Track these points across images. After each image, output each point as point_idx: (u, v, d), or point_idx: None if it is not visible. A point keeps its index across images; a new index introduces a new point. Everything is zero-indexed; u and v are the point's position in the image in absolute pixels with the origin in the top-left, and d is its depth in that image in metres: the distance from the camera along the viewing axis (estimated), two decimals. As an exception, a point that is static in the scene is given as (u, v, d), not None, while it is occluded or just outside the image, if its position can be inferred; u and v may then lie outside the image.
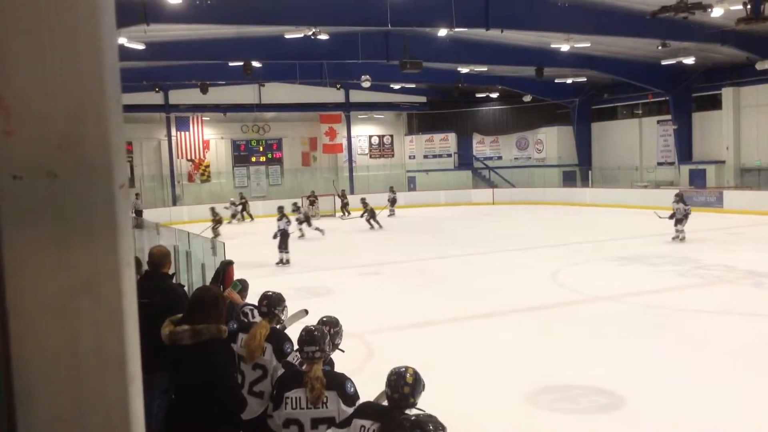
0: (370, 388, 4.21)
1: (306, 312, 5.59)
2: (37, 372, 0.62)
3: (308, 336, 3.94)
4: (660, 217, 18.28)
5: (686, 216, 17.74)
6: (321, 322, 4.46)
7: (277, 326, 4.85)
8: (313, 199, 29.92)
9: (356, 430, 3.30)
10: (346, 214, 29.48)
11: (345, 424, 3.44)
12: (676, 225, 17.84)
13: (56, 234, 0.62)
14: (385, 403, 3.40)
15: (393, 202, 29.69)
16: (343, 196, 30.50)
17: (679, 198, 18.11)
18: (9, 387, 0.60)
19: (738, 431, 6.12)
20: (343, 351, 4.57)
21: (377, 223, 24.56)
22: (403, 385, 3.29)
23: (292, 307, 5.91)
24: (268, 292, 5.01)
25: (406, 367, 3.40)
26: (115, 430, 0.63)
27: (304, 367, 3.88)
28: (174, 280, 5.98)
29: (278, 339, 4.58)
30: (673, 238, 17.64)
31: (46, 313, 0.62)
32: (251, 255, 17.23)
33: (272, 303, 4.85)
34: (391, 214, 28.97)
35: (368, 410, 3.39)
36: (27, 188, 0.61)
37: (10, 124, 0.60)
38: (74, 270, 0.63)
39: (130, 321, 0.64)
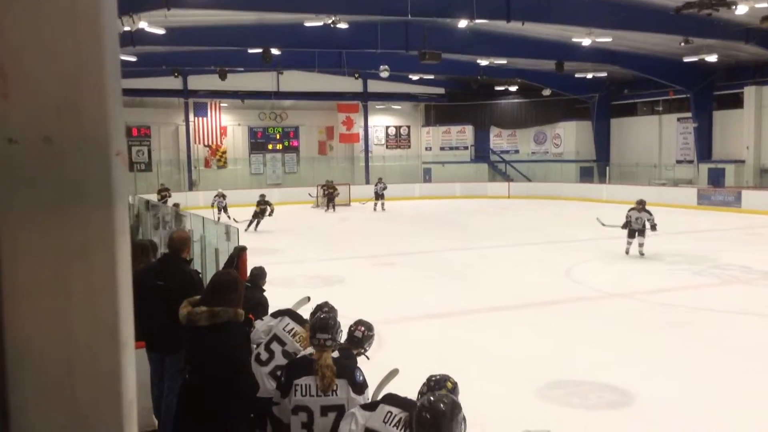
0: (379, 377, 4.23)
1: (308, 299, 5.61)
2: (29, 335, 0.62)
3: (322, 323, 3.95)
4: (603, 225, 15.81)
5: (645, 227, 14.96)
6: (358, 322, 4.45)
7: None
8: (326, 188, 29.96)
9: (382, 414, 3.33)
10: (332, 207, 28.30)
11: (371, 407, 3.46)
12: (630, 237, 15.13)
13: (51, 199, 0.62)
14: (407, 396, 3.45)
15: (379, 195, 28.14)
16: (330, 188, 28.87)
17: (641, 206, 15.09)
18: (1, 349, 0.60)
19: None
20: (368, 358, 4.57)
21: (256, 225, 21.71)
22: (443, 388, 3.33)
23: (303, 294, 5.94)
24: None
25: (449, 376, 3.48)
26: (106, 395, 0.63)
27: (313, 355, 3.89)
28: (191, 266, 6.01)
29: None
30: (626, 252, 15.20)
31: (40, 277, 0.62)
32: (265, 241, 17.31)
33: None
34: (377, 207, 27.78)
35: (397, 400, 3.42)
36: (22, 152, 0.61)
37: (6, 87, 0.60)
38: (68, 236, 0.63)
39: (123, 289, 0.64)
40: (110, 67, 0.61)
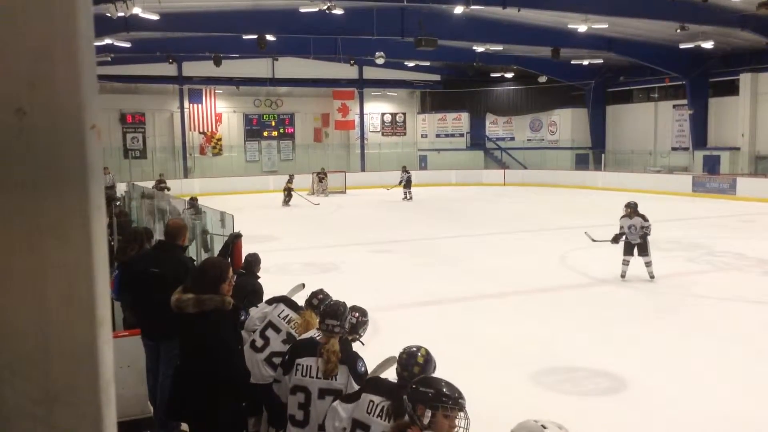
0: (374, 363, 4.24)
1: (303, 286, 5.62)
2: (3, 313, 0.61)
3: (331, 309, 3.99)
4: (594, 240, 12.13)
5: (645, 237, 11.28)
6: (353, 308, 4.48)
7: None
8: (322, 176, 29.93)
9: (365, 404, 3.33)
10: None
11: (353, 398, 3.46)
12: (627, 254, 11.48)
13: (23, 172, 0.61)
14: (393, 378, 3.45)
15: (406, 183, 27.31)
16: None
17: (632, 209, 11.44)
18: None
19: (742, 418, 6.11)
20: (363, 344, 4.58)
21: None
22: (414, 365, 3.33)
23: (297, 282, 5.95)
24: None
25: (419, 347, 3.46)
26: (83, 373, 0.63)
27: (320, 338, 3.92)
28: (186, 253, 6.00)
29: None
30: (622, 276, 11.50)
31: (13, 253, 0.62)
32: (260, 228, 17.28)
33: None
34: (406, 197, 26.95)
35: (378, 386, 3.42)
36: (-7, 125, 0.60)
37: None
38: (42, 211, 0.62)
39: (99, 266, 0.63)
40: (83, 38, 0.60)
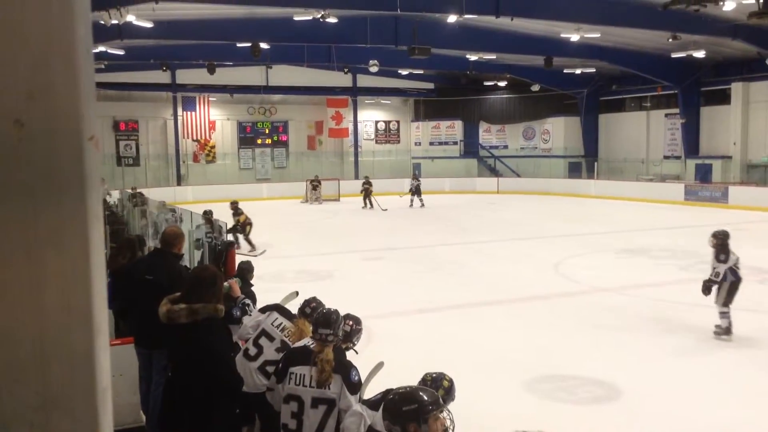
0: (366, 372, 4.23)
1: (296, 294, 5.61)
2: (1, 320, 0.62)
3: (324, 318, 3.95)
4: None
5: (735, 286, 8.68)
6: (346, 316, 4.46)
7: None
8: (316, 184, 29.91)
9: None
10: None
11: (374, 407, 3.46)
12: (722, 303, 8.69)
13: (22, 183, 0.61)
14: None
15: (414, 191, 27.20)
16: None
17: (721, 241, 8.77)
18: (-28, 335, 0.60)
19: (738, 427, 6.12)
20: (356, 352, 4.57)
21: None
22: (438, 388, 3.34)
23: (291, 290, 5.94)
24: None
25: (444, 374, 3.50)
26: (80, 380, 0.63)
27: (313, 347, 3.90)
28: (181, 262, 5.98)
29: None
30: (723, 334, 8.62)
31: (11, 262, 0.62)
32: (254, 237, 17.23)
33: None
34: (412, 204, 27.00)
35: None
36: (-7, 135, 0.60)
37: (-25, 70, 0.59)
38: (41, 221, 0.62)
39: (97, 274, 0.64)
40: (82, 48, 0.61)
